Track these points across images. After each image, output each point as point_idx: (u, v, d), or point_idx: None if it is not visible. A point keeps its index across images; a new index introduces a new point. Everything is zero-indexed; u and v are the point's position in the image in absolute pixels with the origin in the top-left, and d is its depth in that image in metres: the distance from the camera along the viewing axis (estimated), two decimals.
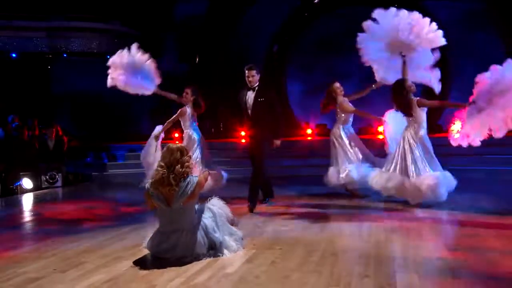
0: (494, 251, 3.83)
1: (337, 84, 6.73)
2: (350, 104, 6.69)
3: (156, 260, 3.75)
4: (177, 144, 3.92)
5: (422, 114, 5.81)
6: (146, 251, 3.99)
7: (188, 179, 3.72)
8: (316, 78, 15.99)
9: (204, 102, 6.78)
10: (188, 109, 6.70)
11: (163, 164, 3.71)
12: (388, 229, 4.61)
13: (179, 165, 3.67)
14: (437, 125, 11.28)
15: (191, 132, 6.71)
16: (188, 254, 3.68)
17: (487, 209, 5.75)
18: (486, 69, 5.24)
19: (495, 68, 5.06)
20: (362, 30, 6.29)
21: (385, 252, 3.80)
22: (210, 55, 14.32)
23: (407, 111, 5.81)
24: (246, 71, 5.77)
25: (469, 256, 3.70)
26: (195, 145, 6.64)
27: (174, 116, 6.63)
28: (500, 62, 5.23)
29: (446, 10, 14.25)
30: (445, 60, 14.61)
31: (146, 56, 6.94)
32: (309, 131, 11.67)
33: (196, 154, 6.61)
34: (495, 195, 6.36)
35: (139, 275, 3.40)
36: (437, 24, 6.02)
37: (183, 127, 6.89)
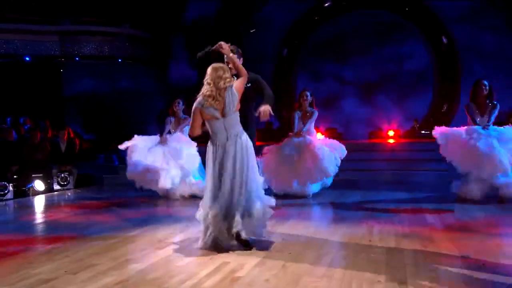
0: (508, 257, 3.78)
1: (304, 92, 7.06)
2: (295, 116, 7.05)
3: (166, 263, 3.76)
4: (219, 63, 4.32)
5: None
6: (156, 254, 4.01)
7: (230, 90, 4.17)
8: (326, 81, 16.02)
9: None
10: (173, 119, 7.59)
11: (209, 81, 4.16)
12: (399, 234, 4.58)
13: (222, 81, 4.14)
14: None
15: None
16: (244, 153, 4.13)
17: (495, 213, 5.70)
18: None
19: None
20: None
21: (396, 257, 3.77)
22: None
23: None
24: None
25: (482, 262, 3.65)
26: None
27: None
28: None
29: (455, 10, 14.17)
30: (455, 60, 14.56)
31: None
32: (319, 135, 11.64)
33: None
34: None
35: (149, 278, 3.41)
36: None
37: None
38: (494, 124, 6.42)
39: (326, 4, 15.23)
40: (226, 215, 4.13)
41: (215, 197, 4.16)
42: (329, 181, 7.33)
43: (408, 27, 15.23)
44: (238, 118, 4.25)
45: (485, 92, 6.34)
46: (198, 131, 4.26)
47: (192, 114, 4.23)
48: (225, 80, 4.17)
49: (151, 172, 7.23)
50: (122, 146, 7.48)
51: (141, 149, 7.37)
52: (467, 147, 6.22)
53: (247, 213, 4.15)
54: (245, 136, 4.24)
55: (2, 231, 5.34)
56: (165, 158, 7.29)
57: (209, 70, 4.22)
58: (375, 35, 15.37)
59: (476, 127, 6.35)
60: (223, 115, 4.16)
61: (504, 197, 6.20)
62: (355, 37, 15.39)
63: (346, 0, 15.01)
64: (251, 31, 14.20)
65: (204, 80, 4.21)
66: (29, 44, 13.58)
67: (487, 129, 6.28)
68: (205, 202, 4.23)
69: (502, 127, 6.41)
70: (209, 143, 4.28)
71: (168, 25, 14.91)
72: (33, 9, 13.62)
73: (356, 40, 15.38)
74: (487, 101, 6.40)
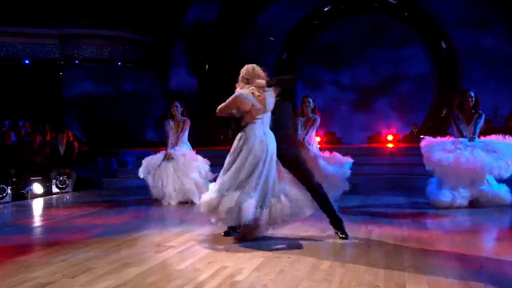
0: (507, 261, 3.77)
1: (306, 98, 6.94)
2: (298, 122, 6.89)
3: (165, 267, 3.75)
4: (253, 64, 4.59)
5: None
6: (155, 258, 4.00)
7: (269, 91, 4.48)
8: (325, 85, 16.04)
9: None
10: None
11: (246, 77, 4.48)
12: (398, 238, 4.58)
13: (261, 80, 4.49)
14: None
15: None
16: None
17: (494, 217, 5.70)
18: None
19: None
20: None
21: (395, 261, 3.77)
22: (220, 62, 14.39)
23: None
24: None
25: (480, 266, 3.65)
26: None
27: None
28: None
29: (454, 15, 14.21)
30: (454, 65, 14.60)
31: None
32: (317, 138, 11.65)
33: None
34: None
35: (147, 282, 3.40)
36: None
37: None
38: (480, 134, 6.50)
39: (326, 9, 15.29)
40: (262, 205, 4.37)
41: (243, 185, 4.34)
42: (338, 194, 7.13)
43: (408, 32, 15.28)
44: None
45: (471, 104, 6.39)
46: (224, 114, 4.52)
47: (232, 98, 4.41)
48: (260, 76, 4.50)
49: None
50: (141, 175, 7.56)
51: (153, 169, 7.42)
52: (451, 158, 6.23)
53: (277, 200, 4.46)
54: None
55: (0, 234, 5.32)
56: (175, 174, 7.31)
57: (244, 70, 4.54)
58: (374, 40, 15.41)
59: (462, 139, 6.38)
60: (263, 111, 4.43)
61: (476, 203, 6.25)
62: (354, 41, 15.44)
63: (345, 5, 15.08)
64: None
65: (243, 77, 4.51)
66: (29, 47, 13.60)
67: (473, 141, 6.31)
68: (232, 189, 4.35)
69: (487, 139, 6.46)
70: (243, 134, 4.43)
71: (168, 30, 14.94)
72: (33, 12, 13.64)
73: (355, 45, 15.43)
74: (473, 111, 6.43)
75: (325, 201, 4.73)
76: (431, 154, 6.41)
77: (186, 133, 7.53)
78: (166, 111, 7.83)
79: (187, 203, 7.23)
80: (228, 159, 4.52)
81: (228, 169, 4.46)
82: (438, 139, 6.60)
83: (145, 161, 7.60)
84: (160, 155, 7.52)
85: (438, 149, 6.41)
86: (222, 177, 4.47)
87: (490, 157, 6.18)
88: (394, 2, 15.09)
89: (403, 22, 15.11)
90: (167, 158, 7.38)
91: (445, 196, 6.28)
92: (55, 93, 14.83)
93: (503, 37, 13.88)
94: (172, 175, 7.27)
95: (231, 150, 4.53)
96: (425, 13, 14.83)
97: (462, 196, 6.23)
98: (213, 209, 4.41)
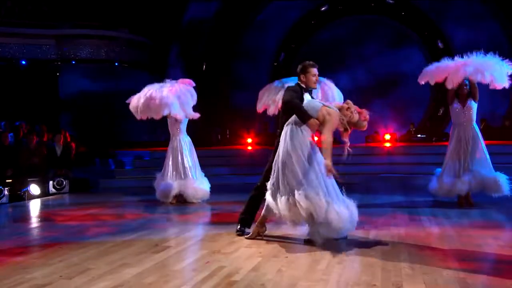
0: (504, 261, 3.79)
1: None
2: None
3: (162, 267, 3.76)
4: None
5: None
6: (152, 258, 4.00)
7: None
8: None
9: None
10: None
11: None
12: (395, 238, 4.59)
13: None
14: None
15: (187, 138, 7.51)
16: None
17: (491, 216, 5.72)
18: None
19: None
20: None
21: (392, 261, 3.77)
22: (217, 63, 14.38)
23: None
24: (314, 69, 4.79)
25: (478, 266, 3.66)
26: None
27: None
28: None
29: (451, 14, 14.23)
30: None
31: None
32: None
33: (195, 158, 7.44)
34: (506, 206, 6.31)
35: (145, 283, 3.40)
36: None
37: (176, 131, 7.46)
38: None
39: (323, 9, 15.30)
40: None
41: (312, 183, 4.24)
42: None
43: (405, 32, 15.31)
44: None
45: (466, 91, 6.42)
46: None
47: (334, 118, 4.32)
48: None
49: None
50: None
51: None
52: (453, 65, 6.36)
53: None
54: None
55: None
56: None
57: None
58: (371, 40, 15.44)
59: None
60: None
61: (474, 189, 6.29)
62: (351, 41, 15.45)
63: (342, 5, 15.10)
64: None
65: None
66: (26, 47, 13.54)
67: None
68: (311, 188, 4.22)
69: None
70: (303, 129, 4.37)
71: (165, 31, 14.91)
72: (29, 13, 13.59)
73: (352, 45, 15.44)
74: (468, 101, 6.46)
75: (256, 206, 4.79)
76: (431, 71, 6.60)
77: (184, 127, 7.58)
78: None
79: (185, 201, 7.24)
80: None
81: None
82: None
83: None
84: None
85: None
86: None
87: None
88: (391, 1, 15.13)
89: (400, 21, 15.15)
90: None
91: (445, 181, 6.34)
92: (52, 94, 14.78)
93: (499, 36, 13.92)
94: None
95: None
96: (422, 13, 14.87)
97: (462, 182, 6.25)
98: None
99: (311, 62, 4.82)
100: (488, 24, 14.10)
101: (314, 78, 4.77)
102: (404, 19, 15.04)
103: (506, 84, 6.09)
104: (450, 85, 6.28)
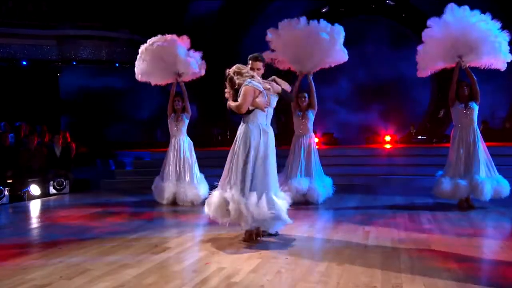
0: (504, 263, 3.78)
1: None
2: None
3: (162, 268, 3.76)
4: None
5: None
6: (152, 259, 4.00)
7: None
8: (322, 86, 16.05)
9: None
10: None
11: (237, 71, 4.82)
12: (395, 239, 4.59)
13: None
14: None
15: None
16: None
17: (492, 218, 5.71)
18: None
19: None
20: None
21: (391, 263, 3.78)
22: (218, 64, 14.40)
23: None
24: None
25: (477, 267, 3.66)
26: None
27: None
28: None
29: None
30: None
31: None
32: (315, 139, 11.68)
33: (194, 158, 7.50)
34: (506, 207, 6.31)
35: (144, 283, 3.40)
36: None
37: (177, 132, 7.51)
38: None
39: (324, 10, 15.31)
40: None
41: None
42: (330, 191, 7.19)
43: (405, 32, 15.31)
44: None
45: (466, 93, 6.43)
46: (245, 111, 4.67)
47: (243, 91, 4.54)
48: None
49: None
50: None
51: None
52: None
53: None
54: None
55: None
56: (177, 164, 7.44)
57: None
58: (371, 41, 15.44)
59: None
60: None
61: (475, 193, 6.27)
62: (352, 42, 15.43)
63: (343, 6, 15.10)
64: None
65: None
66: (26, 48, 13.56)
67: None
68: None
69: None
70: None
71: (166, 32, 14.92)
72: (30, 13, 13.61)
73: (352, 45, 15.42)
74: (469, 103, 6.46)
75: None
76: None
77: (185, 127, 7.60)
78: (164, 113, 7.84)
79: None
80: None
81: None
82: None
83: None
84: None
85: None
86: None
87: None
88: (391, 3, 15.13)
89: (400, 23, 15.15)
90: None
91: (448, 184, 6.34)
92: (53, 95, 14.78)
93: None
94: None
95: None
96: (422, 14, 14.86)
97: (463, 184, 6.25)
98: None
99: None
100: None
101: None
102: (404, 20, 15.05)
103: (508, 59, 6.12)
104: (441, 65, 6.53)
